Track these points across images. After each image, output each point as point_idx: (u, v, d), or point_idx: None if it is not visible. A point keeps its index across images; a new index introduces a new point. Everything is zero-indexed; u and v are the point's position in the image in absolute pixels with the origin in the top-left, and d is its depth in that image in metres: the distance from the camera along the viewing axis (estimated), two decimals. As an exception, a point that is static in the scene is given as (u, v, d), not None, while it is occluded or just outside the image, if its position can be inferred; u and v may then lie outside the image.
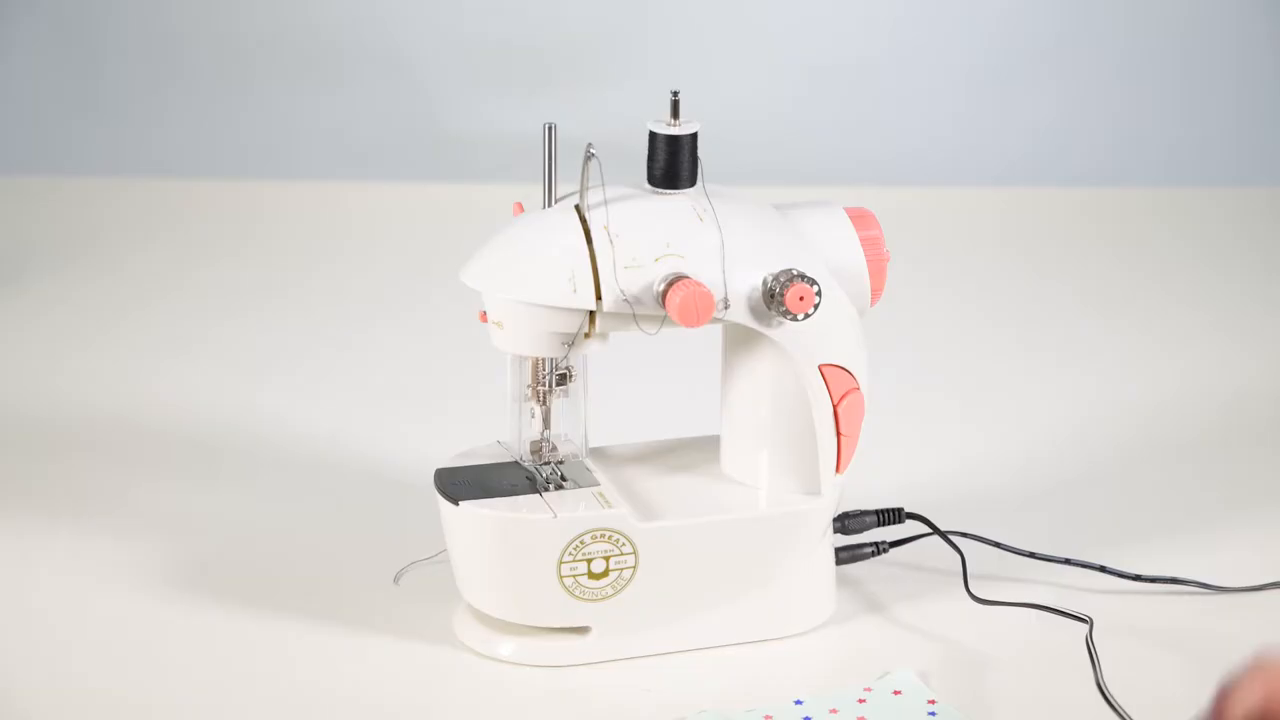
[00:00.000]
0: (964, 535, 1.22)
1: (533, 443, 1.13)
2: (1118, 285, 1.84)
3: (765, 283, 1.08)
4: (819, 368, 1.11)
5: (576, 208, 1.08)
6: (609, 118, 1.53)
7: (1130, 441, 1.45)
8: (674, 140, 1.08)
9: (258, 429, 1.45)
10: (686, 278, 1.06)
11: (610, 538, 1.09)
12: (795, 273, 1.07)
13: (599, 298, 1.06)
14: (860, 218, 1.13)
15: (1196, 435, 1.47)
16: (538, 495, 1.11)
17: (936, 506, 1.24)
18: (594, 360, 1.12)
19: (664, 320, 1.07)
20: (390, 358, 1.62)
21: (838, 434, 1.13)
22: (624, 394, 1.30)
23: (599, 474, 1.14)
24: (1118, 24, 2.21)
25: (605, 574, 1.09)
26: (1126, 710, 1.06)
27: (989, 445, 1.44)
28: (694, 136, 1.09)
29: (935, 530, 1.21)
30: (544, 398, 1.12)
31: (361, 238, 1.94)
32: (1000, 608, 1.17)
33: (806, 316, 1.08)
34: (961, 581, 1.18)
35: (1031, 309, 1.77)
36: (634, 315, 1.07)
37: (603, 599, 1.10)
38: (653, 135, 1.09)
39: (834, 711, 1.05)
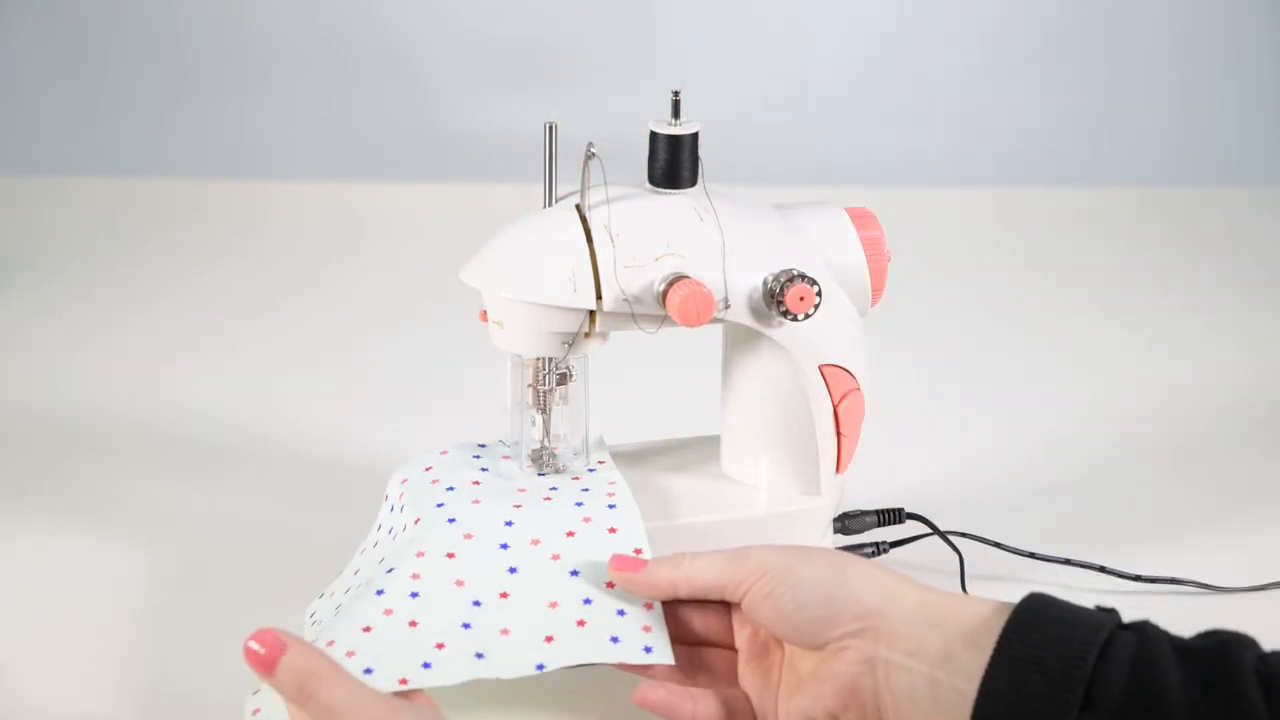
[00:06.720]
0: (964, 535, 1.22)
1: (533, 452, 1.13)
2: (1117, 285, 1.84)
3: (765, 283, 1.08)
4: (819, 368, 1.11)
5: (577, 207, 1.08)
6: (609, 117, 1.52)
7: (1130, 441, 1.45)
8: (675, 140, 1.08)
9: (258, 429, 1.45)
10: (687, 277, 1.06)
11: (610, 537, 1.08)
12: (795, 273, 1.07)
13: (599, 297, 1.06)
14: (860, 218, 1.14)
15: (1197, 435, 1.47)
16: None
17: (936, 506, 1.24)
18: (594, 360, 1.12)
19: (664, 320, 1.07)
20: (390, 357, 1.62)
21: (838, 434, 1.13)
22: (624, 394, 1.30)
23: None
24: (1117, 24, 2.21)
25: (605, 573, 1.09)
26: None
27: (989, 445, 1.44)
28: (694, 136, 1.09)
29: (935, 530, 1.21)
30: (544, 398, 1.12)
31: (361, 237, 1.94)
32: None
33: (807, 316, 1.08)
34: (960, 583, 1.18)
35: (1031, 309, 1.77)
36: (634, 315, 1.07)
37: (603, 599, 1.10)
38: (653, 135, 1.09)
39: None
